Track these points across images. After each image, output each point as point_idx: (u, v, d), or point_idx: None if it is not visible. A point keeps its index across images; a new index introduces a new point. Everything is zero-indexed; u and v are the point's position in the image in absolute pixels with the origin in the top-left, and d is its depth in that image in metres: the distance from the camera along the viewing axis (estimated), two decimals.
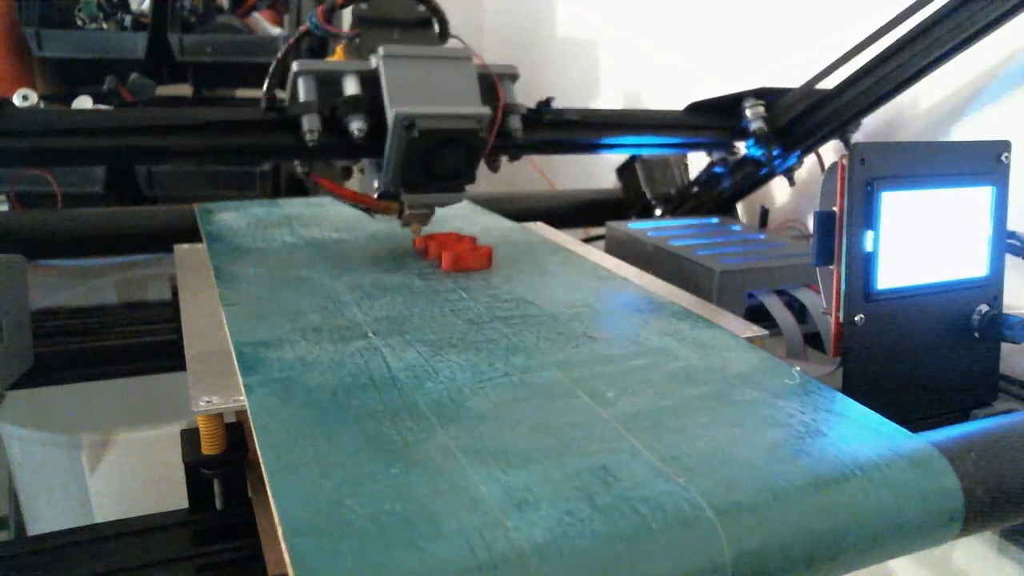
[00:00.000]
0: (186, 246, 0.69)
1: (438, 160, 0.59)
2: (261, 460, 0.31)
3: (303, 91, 0.61)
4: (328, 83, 0.61)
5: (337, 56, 0.66)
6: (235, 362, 0.41)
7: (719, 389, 0.40)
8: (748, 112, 0.78)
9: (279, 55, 0.63)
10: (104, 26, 1.33)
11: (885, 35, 0.68)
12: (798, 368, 0.42)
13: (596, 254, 0.70)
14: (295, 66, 0.61)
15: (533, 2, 1.66)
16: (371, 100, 0.60)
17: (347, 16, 0.65)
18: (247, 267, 0.59)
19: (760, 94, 0.78)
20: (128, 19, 1.33)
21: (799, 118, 0.77)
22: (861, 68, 0.71)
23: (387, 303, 0.52)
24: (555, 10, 1.58)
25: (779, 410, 0.38)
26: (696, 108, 0.81)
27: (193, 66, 1.38)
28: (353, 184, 0.68)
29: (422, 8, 0.65)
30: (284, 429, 0.34)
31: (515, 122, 0.66)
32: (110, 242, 0.86)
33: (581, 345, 0.45)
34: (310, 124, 0.61)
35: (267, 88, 0.63)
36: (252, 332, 0.45)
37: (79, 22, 1.32)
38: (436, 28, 0.66)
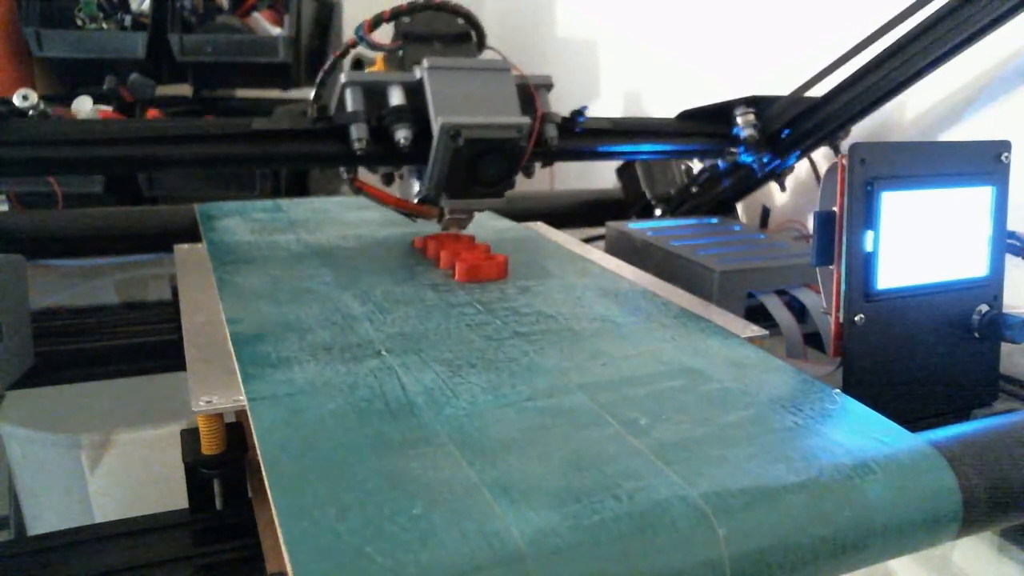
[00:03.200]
0: (186, 246, 0.69)
1: (480, 168, 0.61)
2: (271, 499, 0.29)
3: (351, 101, 0.63)
4: (374, 93, 0.63)
5: (378, 67, 0.68)
6: (240, 385, 0.39)
7: (758, 415, 0.37)
8: (739, 119, 0.79)
9: (326, 66, 0.65)
10: (104, 26, 1.33)
11: (875, 42, 0.68)
12: (837, 390, 0.40)
13: (596, 254, 0.70)
14: (343, 77, 0.63)
15: (533, 2, 1.66)
16: (415, 110, 0.61)
17: (387, 30, 0.66)
18: (252, 278, 0.57)
19: (751, 102, 0.79)
20: (128, 19, 1.33)
21: (788, 125, 0.77)
22: (850, 76, 0.71)
23: (400, 317, 0.50)
24: (555, 10, 1.58)
25: (823, 437, 0.35)
26: (687, 116, 0.82)
27: (193, 66, 1.38)
28: (392, 189, 0.69)
29: (461, 22, 0.67)
30: (296, 463, 0.32)
31: (551, 130, 0.68)
32: (110, 242, 0.86)
33: (607, 365, 0.43)
34: (358, 133, 0.62)
35: (315, 97, 0.65)
36: (258, 352, 0.43)
37: (79, 22, 1.32)
38: (474, 41, 0.68)
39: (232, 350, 0.44)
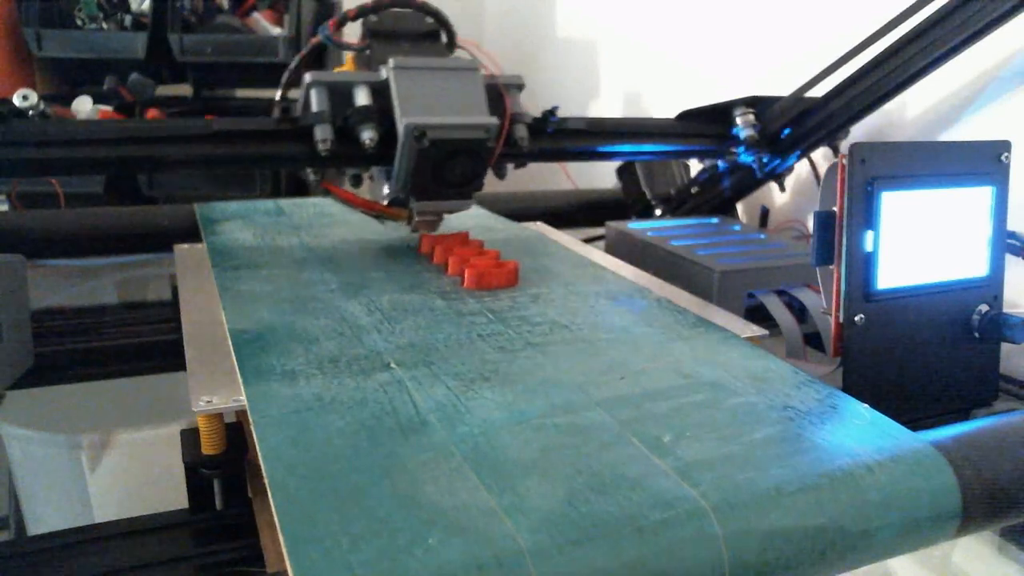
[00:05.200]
0: (186, 246, 0.69)
1: (447, 169, 0.60)
2: (279, 526, 0.28)
3: (315, 101, 0.62)
4: (340, 93, 0.62)
5: (347, 67, 0.67)
6: (246, 402, 0.38)
7: (787, 431, 0.36)
8: (739, 120, 0.78)
9: (291, 66, 0.65)
10: (104, 26, 1.33)
11: (874, 43, 0.68)
12: (866, 405, 0.39)
13: (596, 254, 0.70)
14: (308, 77, 0.62)
15: (533, 2, 1.66)
16: (381, 110, 0.61)
17: (355, 28, 0.66)
18: (254, 285, 0.56)
19: (750, 102, 0.79)
20: (128, 19, 1.33)
21: (788, 126, 0.78)
22: (849, 77, 0.71)
23: (409, 327, 0.48)
24: (555, 10, 1.58)
25: (856, 459, 0.34)
26: (687, 116, 0.82)
27: (193, 66, 1.38)
28: (363, 191, 0.68)
29: (430, 20, 0.66)
30: (304, 487, 0.30)
31: (521, 131, 0.67)
32: (110, 242, 0.86)
33: (626, 378, 0.41)
34: (323, 134, 0.61)
35: (280, 98, 0.64)
36: (263, 364, 0.42)
37: (79, 22, 1.32)
38: (444, 40, 0.67)
39: (235, 362, 0.43)
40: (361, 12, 0.63)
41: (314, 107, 0.62)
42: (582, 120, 0.75)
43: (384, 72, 0.61)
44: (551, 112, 0.72)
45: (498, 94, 0.65)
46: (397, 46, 0.64)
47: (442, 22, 0.66)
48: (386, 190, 0.65)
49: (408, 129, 0.57)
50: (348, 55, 0.67)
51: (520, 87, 0.68)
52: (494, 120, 0.60)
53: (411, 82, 0.60)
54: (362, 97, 0.61)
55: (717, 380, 0.42)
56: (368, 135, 0.60)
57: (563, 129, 0.73)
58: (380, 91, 0.61)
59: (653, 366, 0.43)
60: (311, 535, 0.27)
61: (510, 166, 0.71)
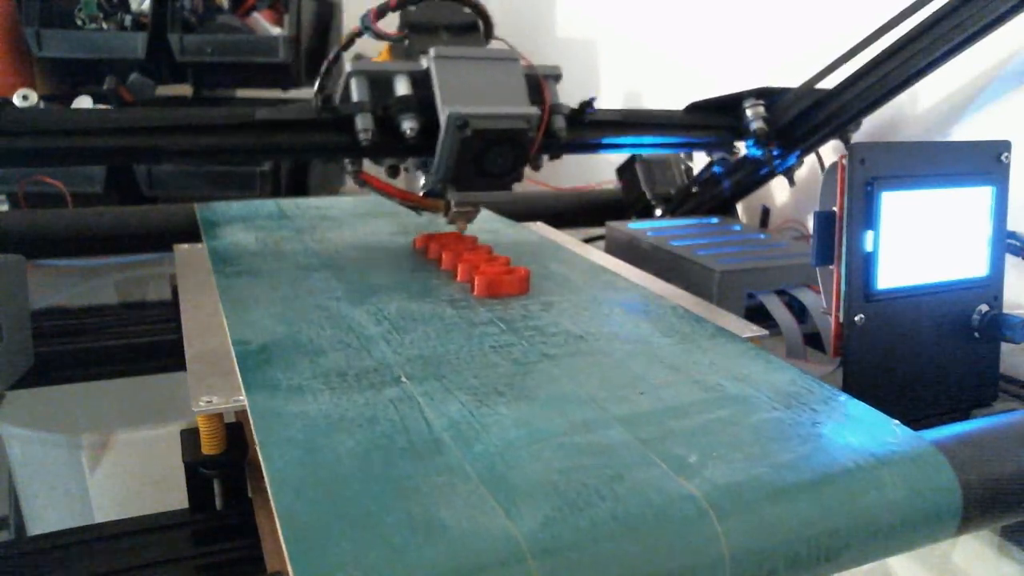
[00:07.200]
0: (186, 246, 0.69)
1: (488, 159, 0.60)
2: (288, 559, 0.26)
3: (356, 91, 0.62)
4: (380, 83, 0.62)
5: (383, 58, 0.67)
6: (251, 420, 0.36)
7: (818, 451, 0.34)
8: (748, 112, 0.78)
9: (330, 56, 0.65)
10: (104, 26, 1.33)
11: (885, 35, 0.68)
12: (896, 422, 0.38)
13: (596, 254, 0.70)
14: (348, 67, 0.62)
15: (533, 2, 1.66)
16: (422, 100, 0.61)
17: (392, 19, 0.66)
18: (257, 293, 0.54)
19: (760, 94, 0.79)
20: (128, 19, 1.33)
21: (799, 118, 0.77)
22: (861, 68, 0.71)
23: (419, 338, 0.47)
24: (555, 10, 1.58)
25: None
26: (696, 108, 0.81)
27: (193, 66, 1.38)
28: (398, 182, 0.69)
29: (468, 11, 0.66)
30: (314, 514, 0.29)
31: (559, 122, 0.67)
32: (110, 242, 0.86)
33: (647, 393, 0.40)
34: (364, 123, 0.62)
35: (319, 88, 0.64)
36: (267, 379, 0.40)
37: (79, 22, 1.32)
38: (481, 30, 0.67)
39: (240, 379, 0.41)
40: (401, 3, 0.63)
41: (354, 97, 0.62)
42: (617, 112, 0.75)
43: (425, 62, 0.61)
44: (588, 103, 0.72)
45: (537, 84, 0.65)
46: (435, 37, 0.65)
47: (480, 13, 0.66)
48: (422, 181, 0.65)
49: (451, 118, 0.57)
50: (384, 47, 0.67)
51: (558, 77, 0.68)
52: (536, 110, 0.61)
53: (452, 71, 0.60)
54: (403, 87, 0.61)
55: (741, 394, 0.40)
56: (409, 125, 0.60)
57: (599, 120, 0.73)
58: (421, 81, 0.61)
59: (674, 380, 0.42)
60: (322, 567, 0.26)
61: (544, 157, 0.71)
